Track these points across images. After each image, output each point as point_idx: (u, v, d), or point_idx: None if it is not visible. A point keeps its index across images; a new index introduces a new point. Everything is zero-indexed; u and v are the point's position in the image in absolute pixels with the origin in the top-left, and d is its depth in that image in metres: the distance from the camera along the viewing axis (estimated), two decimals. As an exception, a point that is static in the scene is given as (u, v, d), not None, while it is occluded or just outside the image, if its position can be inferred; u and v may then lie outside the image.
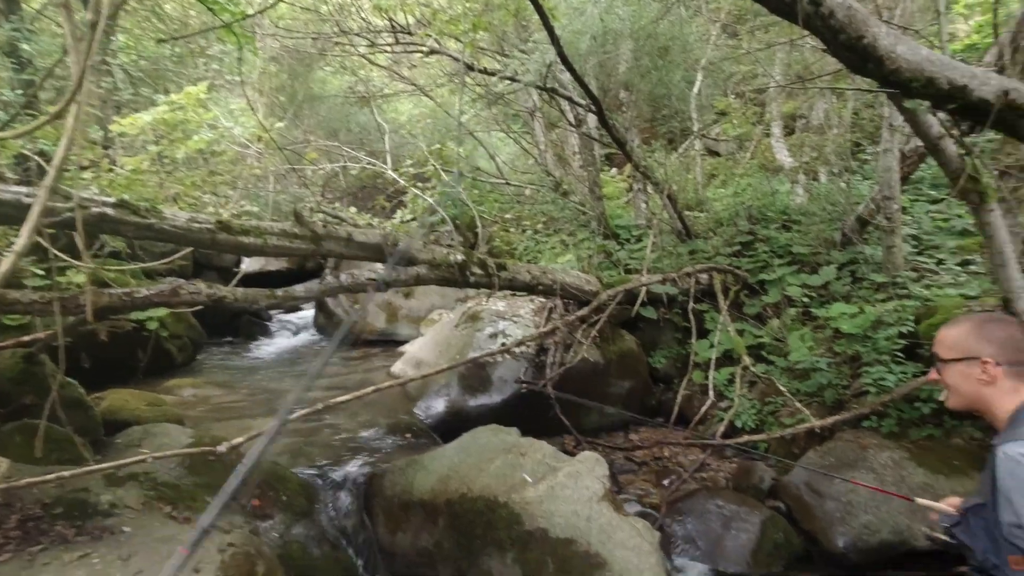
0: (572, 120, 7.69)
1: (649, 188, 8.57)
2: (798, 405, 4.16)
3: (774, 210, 7.69)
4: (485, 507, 2.85)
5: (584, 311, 4.22)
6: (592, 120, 8.47)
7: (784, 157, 8.96)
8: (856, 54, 2.03)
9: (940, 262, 5.44)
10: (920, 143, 5.64)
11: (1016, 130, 2.11)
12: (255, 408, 5.00)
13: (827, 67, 7.69)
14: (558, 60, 5.38)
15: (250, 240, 3.24)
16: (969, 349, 1.57)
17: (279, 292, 3.38)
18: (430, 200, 5.08)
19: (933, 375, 1.69)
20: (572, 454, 3.67)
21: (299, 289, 3.43)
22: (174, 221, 3.02)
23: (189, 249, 5.34)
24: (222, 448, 2.24)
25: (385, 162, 6.40)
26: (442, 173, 5.73)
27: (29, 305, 2.69)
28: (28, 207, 2.50)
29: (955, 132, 3.44)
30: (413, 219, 6.86)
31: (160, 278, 8.07)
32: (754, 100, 10.51)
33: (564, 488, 2.74)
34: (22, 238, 1.40)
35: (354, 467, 3.59)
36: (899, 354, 4.13)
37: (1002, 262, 3.39)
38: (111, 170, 3.48)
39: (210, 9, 2.76)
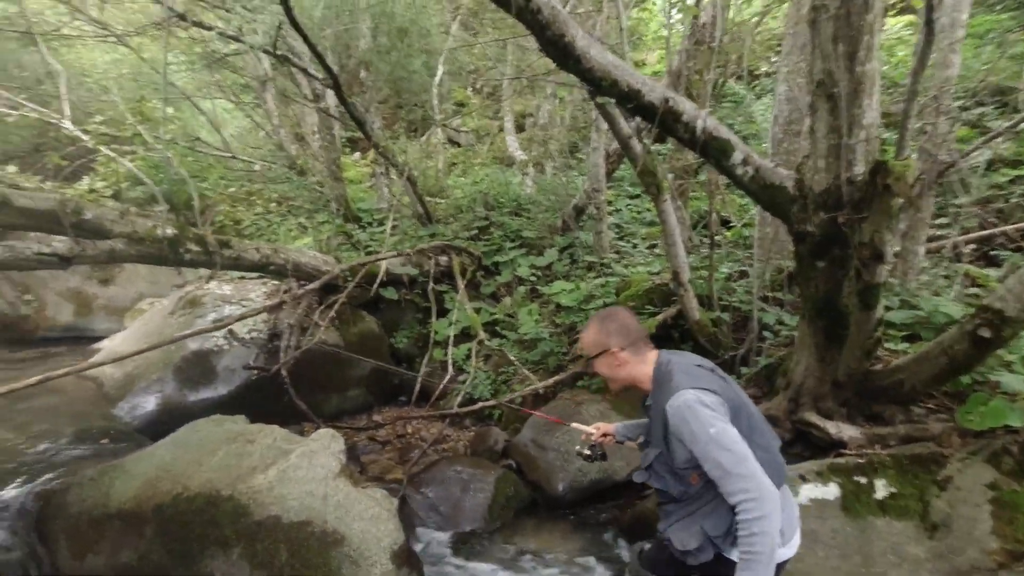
0: (309, 94, 7.25)
1: (392, 173, 8.58)
2: (525, 371, 4.57)
3: (507, 199, 8.36)
4: (206, 504, 2.52)
5: (315, 284, 4.00)
6: (332, 98, 8.13)
7: (516, 151, 9.77)
8: (560, 50, 2.29)
9: (635, 246, 6.51)
10: (618, 146, 6.69)
11: (673, 131, 2.61)
12: None
13: (550, 70, 8.60)
14: (288, 24, 5.00)
15: None
16: (600, 344, 1.92)
17: None
18: (130, 166, 4.26)
19: (590, 368, 2.00)
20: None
21: (-75, 263, 2.59)
22: None
23: None
24: None
25: (61, 113, 5.17)
26: (146, 135, 4.86)
27: None
28: None
29: (641, 134, 4.14)
30: (107, 188, 5.69)
31: None
32: (491, 95, 11.26)
33: (297, 469, 2.57)
34: None
35: (20, 488, 2.86)
36: (603, 321, 4.83)
37: (672, 242, 4.19)
38: None
39: None
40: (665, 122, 2.50)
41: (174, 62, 8.80)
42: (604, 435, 2.46)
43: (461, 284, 5.92)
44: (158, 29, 5.24)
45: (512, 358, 4.86)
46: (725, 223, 6.54)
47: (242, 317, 3.79)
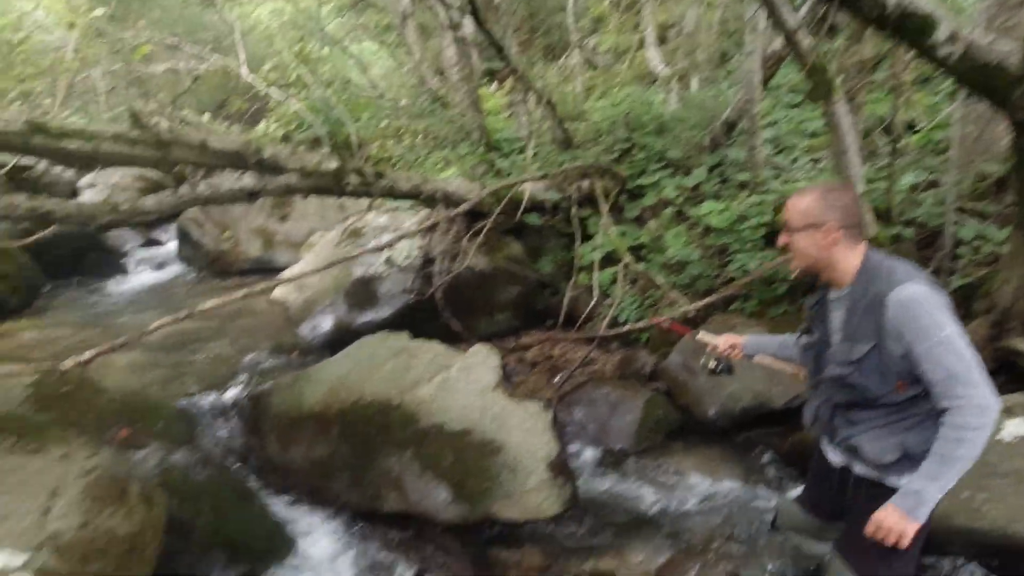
0: (448, 23, 7.28)
1: (530, 101, 8.48)
2: (674, 294, 4.42)
3: (650, 118, 7.92)
4: (379, 411, 2.81)
5: (463, 207, 4.12)
6: (469, 26, 8.10)
7: (658, 65, 9.15)
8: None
9: (795, 160, 5.90)
10: (778, 47, 5.97)
11: (858, 8, 2.24)
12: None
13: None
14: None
15: (76, 144, 2.79)
16: (817, 216, 1.74)
17: (124, 206, 2.98)
18: (298, 106, 4.63)
19: (783, 240, 1.85)
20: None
21: (148, 202, 3.05)
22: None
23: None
24: (67, 363, 1.98)
25: (239, 63, 5.71)
26: (306, 78, 5.23)
27: None
28: None
29: (810, 26, 3.64)
30: (279, 130, 6.28)
31: None
32: (630, 8, 10.54)
33: (457, 382, 2.75)
34: None
35: (236, 391, 3.38)
36: (760, 242, 4.50)
37: (843, 150, 3.71)
38: None
39: None
40: None
41: (324, 9, 9.29)
42: (732, 347, 2.34)
43: (604, 208, 5.79)
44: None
45: (660, 281, 4.72)
46: (909, 127, 5.67)
47: (400, 238, 4.04)
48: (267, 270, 7.38)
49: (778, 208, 4.74)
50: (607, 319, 4.42)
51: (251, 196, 3.36)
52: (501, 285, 5.30)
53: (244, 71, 5.18)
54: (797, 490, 2.37)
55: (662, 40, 10.00)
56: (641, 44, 11.29)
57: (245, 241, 7.54)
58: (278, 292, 5.73)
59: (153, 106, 3.05)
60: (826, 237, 1.73)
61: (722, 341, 2.37)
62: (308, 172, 3.66)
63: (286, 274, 5.38)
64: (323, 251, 5.66)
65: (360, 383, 2.94)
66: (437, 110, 7.19)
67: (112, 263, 7.77)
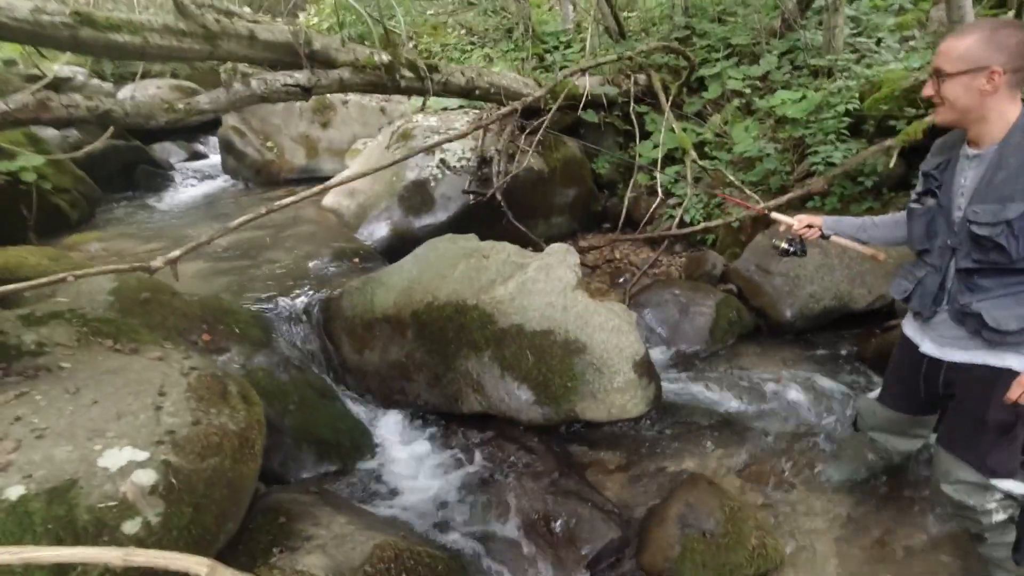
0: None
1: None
2: (746, 191, 4.17)
3: (708, 2, 7.26)
4: (454, 312, 2.74)
5: (514, 105, 3.86)
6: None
7: (718, -59, 8.23)
8: None
9: (879, 41, 5.33)
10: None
11: None
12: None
13: None
14: None
15: (125, 38, 2.62)
16: (979, 59, 1.53)
17: (180, 105, 2.84)
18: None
19: (929, 90, 1.64)
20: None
21: (203, 100, 2.90)
22: (11, 11, 2.35)
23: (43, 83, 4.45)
24: (158, 263, 1.93)
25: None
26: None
27: None
28: None
29: None
30: (322, 23, 5.94)
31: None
32: None
33: (535, 282, 2.65)
34: None
35: (306, 295, 3.36)
36: (844, 132, 4.13)
37: (961, 17, 3.27)
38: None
39: None
40: None
41: None
42: (808, 226, 2.19)
43: (665, 103, 5.41)
44: None
45: (729, 176, 4.44)
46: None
47: (461, 135, 3.83)
48: (313, 179, 7.28)
49: (864, 94, 4.31)
50: (676, 220, 4.20)
51: (305, 92, 3.18)
52: (558, 186, 5.09)
53: None
54: (877, 390, 2.26)
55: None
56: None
57: (289, 150, 7.41)
58: (330, 199, 5.64)
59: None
60: (989, 82, 1.52)
61: (797, 220, 2.22)
62: (360, 66, 3.43)
63: (341, 189, 5.27)
64: (372, 155, 5.49)
65: (433, 285, 2.87)
66: (482, 1, 6.69)
67: (160, 177, 7.77)
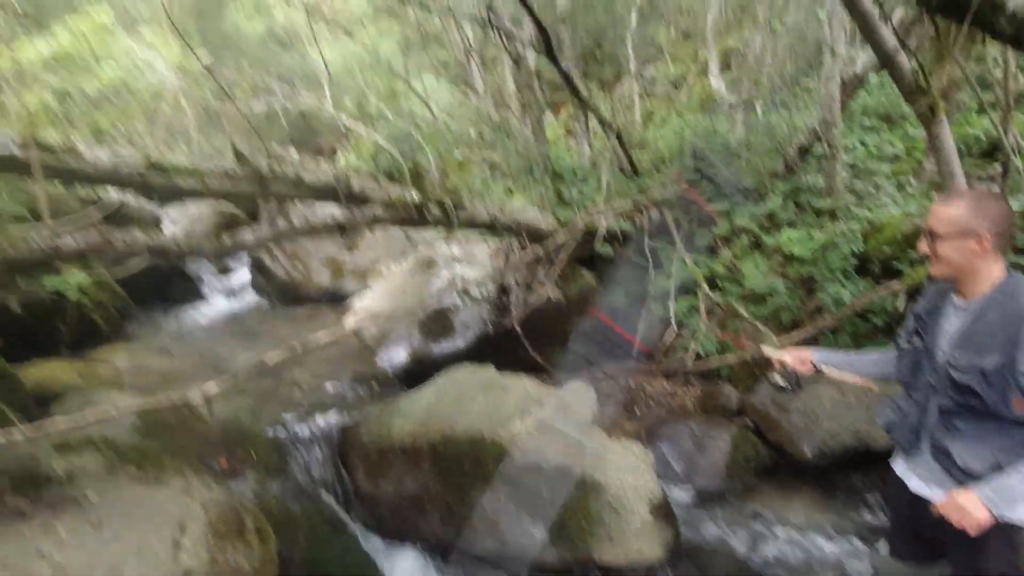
0: (512, 57, 7.40)
1: (591, 128, 8.49)
2: (759, 326, 4.26)
3: (715, 144, 7.80)
4: (471, 446, 2.77)
5: (539, 250, 4.09)
6: (532, 59, 8.24)
7: (722, 92, 9.03)
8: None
9: (877, 186, 5.66)
10: (857, 70, 5.80)
11: (991, 25, 2.12)
12: (201, 371, 4.67)
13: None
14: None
15: (188, 182, 2.92)
16: (969, 225, 1.71)
17: (226, 239, 3.09)
18: (379, 139, 4.78)
19: (923, 247, 1.80)
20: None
21: (247, 235, 3.15)
22: (97, 162, 2.66)
23: (112, 209, 4.85)
24: (196, 397, 2.02)
25: (321, 103, 5.98)
26: (387, 113, 5.41)
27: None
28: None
29: (908, 45, 3.49)
30: (358, 163, 6.49)
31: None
32: (691, 37, 10.51)
33: (553, 419, 2.68)
34: None
35: (324, 420, 3.41)
36: (850, 271, 4.29)
37: (950, 172, 3.52)
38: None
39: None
40: (981, 15, 2.04)
41: (391, 47, 9.66)
42: (800, 361, 2.21)
43: (677, 237, 5.68)
44: (386, 17, 5.72)
45: (741, 311, 4.56)
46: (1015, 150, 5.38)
47: (478, 284, 4.02)
48: (336, 298, 7.56)
49: (867, 235, 4.53)
50: (690, 352, 4.27)
51: (340, 229, 3.44)
52: (574, 316, 5.24)
53: (328, 106, 5.40)
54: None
55: (724, 67, 9.90)
56: (702, 71, 11.23)
57: (316, 271, 7.75)
58: (352, 322, 5.84)
59: (250, 143, 3.20)
60: (978, 245, 1.69)
61: (789, 355, 2.26)
62: (393, 204, 3.72)
63: (363, 312, 5.49)
64: (395, 280, 5.75)
65: (451, 416, 2.91)
66: (503, 140, 7.28)
67: (191, 291, 8.11)
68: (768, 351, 2.43)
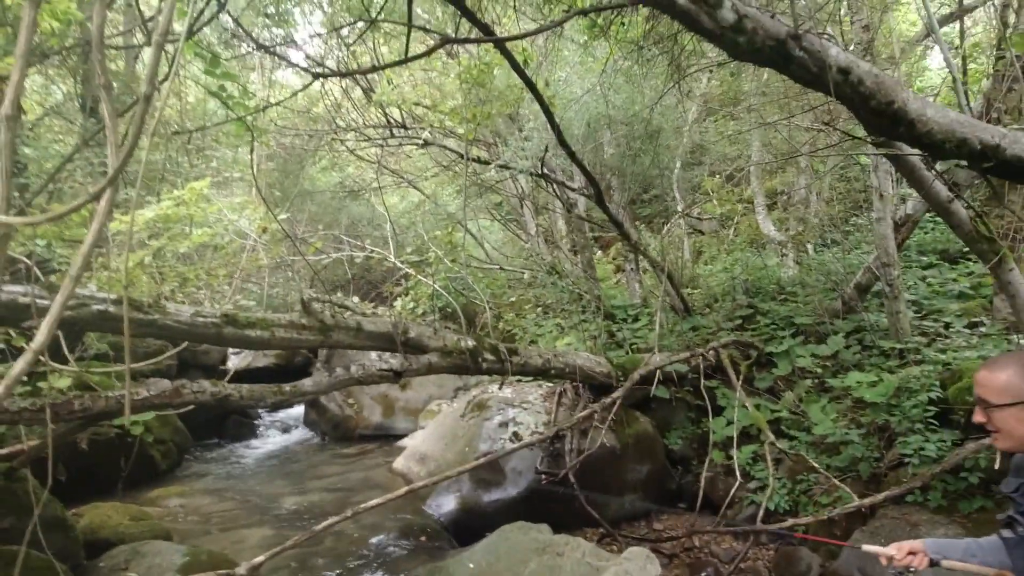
0: (564, 204, 7.82)
1: (642, 267, 8.65)
2: (838, 483, 3.93)
3: (767, 283, 7.76)
4: (524, 619, 2.54)
5: (596, 408, 4.02)
6: (582, 204, 8.68)
7: (771, 231, 9.16)
8: (887, 119, 2.05)
9: (947, 326, 5.42)
10: (909, 212, 5.81)
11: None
12: (249, 516, 4.61)
13: (805, 143, 8.07)
14: (552, 146, 5.54)
15: (256, 334, 3.08)
16: (1021, 392, 1.56)
17: (287, 388, 3.17)
18: (436, 286, 5.00)
19: (980, 417, 1.65)
20: (607, 550, 3.38)
21: (307, 384, 3.23)
22: (178, 316, 2.86)
23: (180, 348, 5.14)
24: (242, 571, 1.96)
25: (384, 251, 6.38)
26: (444, 260, 5.70)
27: (17, 413, 2.46)
28: (23, 307, 2.34)
29: (964, 196, 3.50)
30: (415, 307, 6.75)
31: (144, 379, 7.74)
32: (733, 179, 10.91)
33: (614, 592, 2.46)
34: (41, 335, 1.25)
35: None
36: (932, 421, 3.99)
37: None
38: (105, 268, 3.32)
39: (225, 104, 2.74)
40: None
41: (449, 192, 10.41)
42: (911, 554, 1.95)
43: (735, 380, 5.49)
44: (447, 171, 6.23)
45: (814, 464, 4.24)
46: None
47: (528, 445, 3.93)
48: (387, 436, 7.51)
49: (945, 381, 4.26)
50: (761, 510, 3.94)
51: (396, 376, 3.49)
52: (630, 463, 4.99)
53: (391, 257, 5.76)
54: None
55: (771, 206, 10.13)
56: (748, 210, 11.52)
57: (367, 408, 7.79)
58: (400, 463, 5.73)
59: (307, 292, 3.41)
60: None
61: (896, 550, 2.00)
62: (448, 351, 3.78)
63: (412, 454, 5.45)
64: (445, 422, 5.69)
65: (502, 582, 2.71)
66: (556, 281, 7.48)
67: (246, 426, 8.24)
68: (870, 548, 2.15)
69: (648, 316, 7.96)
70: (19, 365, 1.20)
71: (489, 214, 11.03)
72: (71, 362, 3.55)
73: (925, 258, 7.36)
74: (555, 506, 4.43)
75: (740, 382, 5.38)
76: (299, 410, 8.71)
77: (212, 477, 6.00)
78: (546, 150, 5.58)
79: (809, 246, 9.05)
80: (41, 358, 2.91)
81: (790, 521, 3.70)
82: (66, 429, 2.76)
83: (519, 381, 5.54)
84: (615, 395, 4.52)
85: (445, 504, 4.57)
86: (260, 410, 9.15)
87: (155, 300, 2.85)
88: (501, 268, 8.49)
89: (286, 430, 8.40)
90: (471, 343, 3.93)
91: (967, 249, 6.93)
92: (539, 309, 7.87)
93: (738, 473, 4.51)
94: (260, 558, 2.07)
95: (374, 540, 3.85)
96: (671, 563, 4.33)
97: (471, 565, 2.92)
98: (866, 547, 2.17)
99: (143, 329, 2.78)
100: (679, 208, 10.58)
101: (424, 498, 4.77)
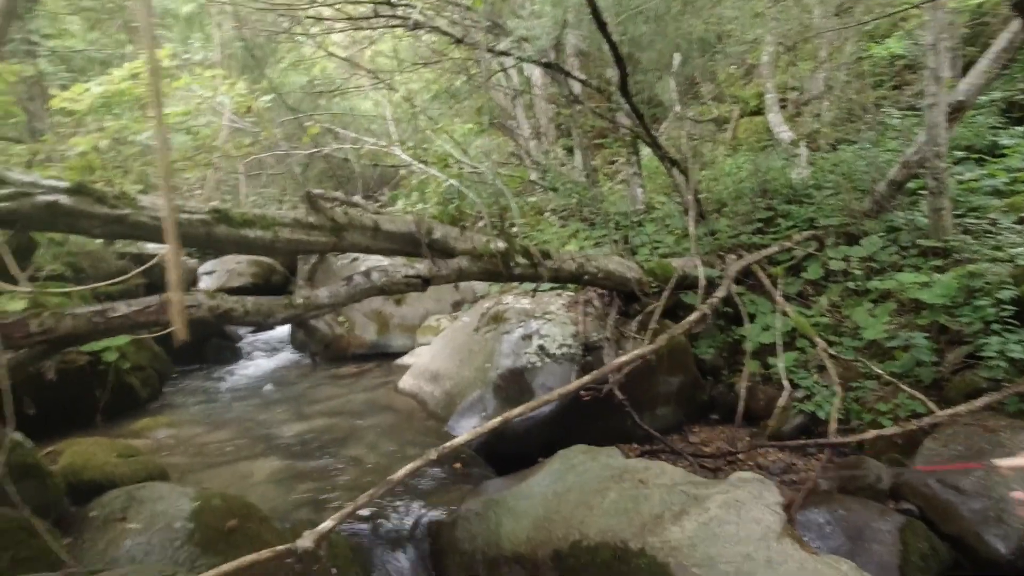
0: (568, 98, 7.07)
1: (641, 172, 8.08)
2: (916, 393, 3.61)
3: (781, 185, 7.30)
4: (612, 557, 2.16)
5: (658, 304, 3.55)
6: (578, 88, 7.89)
7: (782, 130, 8.58)
8: None
9: (994, 222, 5.06)
10: (961, 98, 5.28)
11: None
12: (252, 446, 4.15)
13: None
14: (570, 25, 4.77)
15: (256, 233, 2.46)
16: None
17: (299, 300, 2.60)
18: (454, 182, 4.37)
19: None
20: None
21: (323, 295, 2.66)
22: (155, 211, 2.21)
23: (149, 264, 4.45)
24: (307, 543, 1.48)
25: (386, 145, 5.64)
26: (457, 155, 5.03)
27: (-46, 338, 1.85)
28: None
29: None
30: (422, 207, 6.10)
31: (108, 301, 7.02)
32: (743, 69, 10.17)
33: (724, 524, 2.07)
34: None
35: (407, 514, 2.83)
36: (1011, 321, 3.67)
37: None
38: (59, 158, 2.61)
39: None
40: None
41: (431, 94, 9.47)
42: None
43: (768, 283, 5.12)
44: (438, 60, 5.41)
45: (876, 370, 3.93)
46: None
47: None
48: (383, 355, 7.05)
49: (1017, 278, 3.91)
50: (832, 421, 3.62)
51: (424, 283, 2.94)
52: (662, 374, 4.63)
53: (397, 150, 5.05)
54: None
55: (782, 104, 9.49)
56: (748, 110, 10.88)
57: (360, 325, 7.27)
58: (408, 382, 5.29)
59: (320, 190, 2.81)
60: None
61: None
62: (478, 254, 3.23)
63: (421, 372, 5.00)
64: (457, 337, 5.22)
65: (577, 516, 2.31)
66: (566, 183, 6.86)
67: (229, 350, 7.68)
68: (1004, 463, 1.72)
69: (652, 222, 7.49)
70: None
71: (471, 117, 10.15)
72: (21, 283, 2.90)
73: (964, 154, 6.93)
74: (588, 423, 4.08)
75: (777, 289, 5.01)
76: (284, 330, 8.15)
77: (200, 405, 5.49)
78: (565, 24, 4.80)
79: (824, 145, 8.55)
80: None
81: (871, 433, 3.38)
82: (27, 356, 2.17)
83: (535, 290, 5.06)
84: (659, 303, 4.07)
85: (468, 426, 4.16)
86: (241, 331, 8.55)
87: (122, 192, 2.19)
88: (499, 173, 7.79)
89: (272, 352, 7.87)
90: (502, 245, 3.38)
91: (1002, 144, 6.55)
92: (546, 215, 7.29)
93: (785, 382, 4.20)
94: (327, 524, 1.60)
95: (400, 468, 3.43)
96: (714, 476, 4.07)
97: (534, 496, 2.51)
98: (999, 463, 1.65)
99: (111, 227, 2.14)
100: (677, 108, 9.89)
101: (443, 418, 4.37)
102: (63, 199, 2.00)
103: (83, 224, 2.06)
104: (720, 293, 3.98)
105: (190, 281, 9.35)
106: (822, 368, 4.47)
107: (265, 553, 1.46)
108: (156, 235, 2.27)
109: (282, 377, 6.68)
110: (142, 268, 4.14)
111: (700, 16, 6.07)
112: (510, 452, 3.87)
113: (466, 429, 4.20)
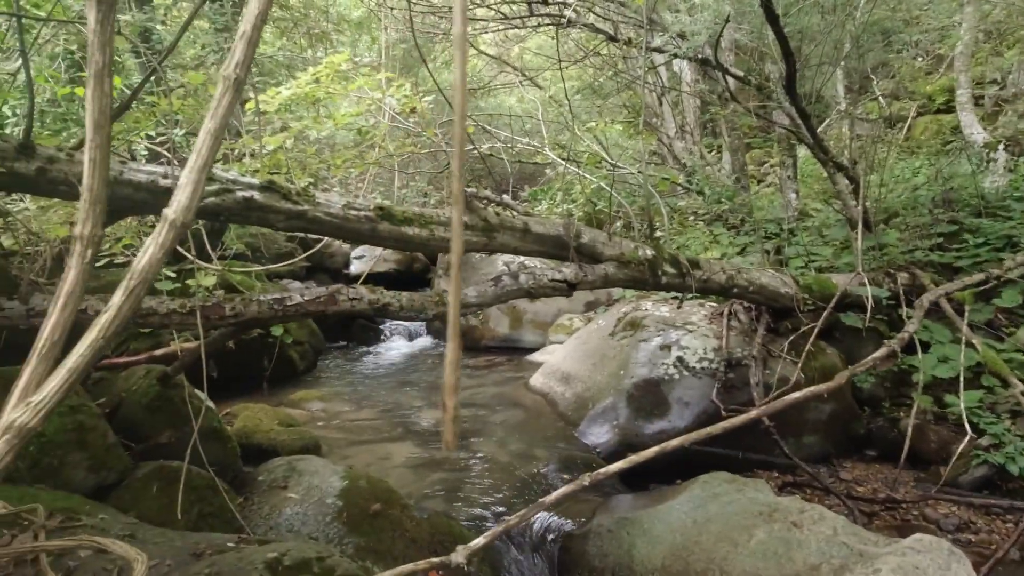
0: (723, 96, 6.68)
1: (794, 176, 7.44)
2: None
3: (969, 195, 6.39)
4: (758, 605, 1.99)
5: (816, 323, 3.25)
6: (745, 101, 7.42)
7: (976, 130, 7.49)
8: None
9: None
10: None
11: None
12: (390, 429, 4.40)
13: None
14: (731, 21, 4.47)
15: (414, 231, 2.57)
16: None
17: (448, 297, 2.68)
18: (603, 184, 4.31)
19: None
20: (776, 494, 2.76)
21: (471, 294, 2.73)
22: (329, 208, 2.39)
23: (314, 250, 4.87)
24: (460, 557, 1.54)
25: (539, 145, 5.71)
26: (607, 157, 4.96)
27: (166, 316, 2.12)
28: (167, 190, 1.92)
29: None
30: (567, 210, 6.12)
31: (277, 281, 7.80)
32: (924, 68, 9.03)
33: (896, 591, 1.83)
34: (176, 201, 0.75)
35: (537, 521, 2.83)
36: None
37: None
38: (252, 154, 2.91)
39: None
40: None
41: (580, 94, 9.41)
42: None
43: (949, 308, 4.49)
44: (591, 57, 5.33)
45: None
46: None
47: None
48: (514, 349, 7.19)
49: None
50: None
51: (570, 288, 2.92)
52: (812, 400, 4.24)
53: (548, 151, 5.10)
54: None
55: (977, 100, 8.30)
56: (940, 108, 9.64)
57: (495, 319, 7.45)
58: (539, 380, 5.33)
59: (472, 189, 2.90)
60: None
61: None
62: (625, 261, 3.14)
63: (552, 372, 5.01)
64: (591, 340, 5.15)
65: (720, 552, 2.17)
66: (706, 191, 6.52)
67: (372, 331, 8.23)
68: None
69: (806, 232, 6.88)
70: (161, 234, 0.69)
71: (613, 114, 9.95)
72: (214, 261, 3.28)
73: None
74: (724, 445, 3.85)
75: (963, 316, 4.38)
76: (422, 317, 8.57)
77: (345, 382, 5.94)
78: (727, 20, 4.51)
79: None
80: (187, 254, 2.59)
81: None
82: (219, 335, 2.45)
83: (682, 301, 4.85)
84: (816, 323, 3.73)
85: (598, 433, 4.10)
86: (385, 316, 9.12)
87: (303, 189, 2.38)
88: (640, 172, 7.57)
89: (410, 337, 8.31)
90: (650, 252, 3.26)
91: None
92: (690, 218, 6.98)
93: (967, 425, 3.66)
94: (480, 541, 1.64)
95: (530, 471, 3.46)
96: (870, 523, 3.66)
97: (671, 520, 2.40)
98: None
99: (291, 222, 2.34)
100: (842, 105, 9.01)
101: (574, 422, 4.34)
102: (256, 195, 2.21)
103: (271, 218, 2.27)
104: (911, 328, 3.56)
105: (344, 263, 10.18)
106: (1016, 414, 3.85)
107: (422, 564, 1.52)
108: (329, 231, 2.45)
109: (418, 363, 7.04)
110: (307, 253, 4.55)
111: (888, 2, 5.41)
112: (639, 466, 3.75)
113: (596, 436, 4.14)
